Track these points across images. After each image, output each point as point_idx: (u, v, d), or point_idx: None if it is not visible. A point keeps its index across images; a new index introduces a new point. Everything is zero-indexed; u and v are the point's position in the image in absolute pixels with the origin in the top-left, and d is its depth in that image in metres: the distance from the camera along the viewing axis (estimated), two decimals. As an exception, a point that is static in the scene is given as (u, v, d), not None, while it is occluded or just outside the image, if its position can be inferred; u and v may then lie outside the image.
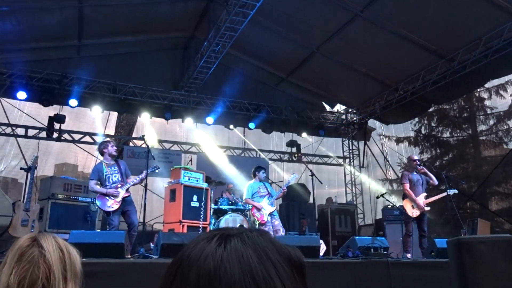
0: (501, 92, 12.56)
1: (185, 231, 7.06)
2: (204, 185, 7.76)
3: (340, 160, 12.93)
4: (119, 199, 5.56)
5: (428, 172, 6.76)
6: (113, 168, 5.75)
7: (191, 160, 9.26)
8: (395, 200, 11.63)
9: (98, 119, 10.71)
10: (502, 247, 2.64)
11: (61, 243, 1.30)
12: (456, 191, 6.82)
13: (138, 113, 10.54)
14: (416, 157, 6.93)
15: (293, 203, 9.88)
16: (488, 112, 12.97)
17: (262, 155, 12.04)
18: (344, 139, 12.85)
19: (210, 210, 7.56)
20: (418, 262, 5.10)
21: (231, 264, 0.57)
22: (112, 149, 5.84)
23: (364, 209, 12.18)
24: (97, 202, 5.63)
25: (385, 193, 7.59)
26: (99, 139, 10.20)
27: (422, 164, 6.96)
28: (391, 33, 8.39)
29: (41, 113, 9.99)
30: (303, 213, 9.62)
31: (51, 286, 1.21)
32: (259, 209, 6.96)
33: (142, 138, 7.58)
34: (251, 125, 11.13)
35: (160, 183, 9.74)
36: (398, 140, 13.88)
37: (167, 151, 11.10)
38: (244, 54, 10.56)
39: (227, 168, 10.80)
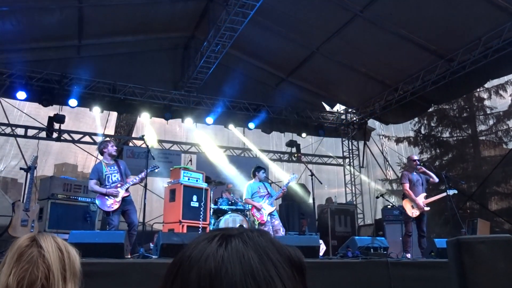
0: (501, 92, 12.56)
1: (184, 231, 7.05)
2: (204, 185, 7.75)
3: (340, 160, 12.93)
4: (118, 198, 5.56)
5: (427, 171, 6.77)
6: (112, 167, 5.75)
7: (190, 160, 9.27)
8: (395, 200, 11.64)
9: (98, 119, 10.71)
10: (502, 247, 2.64)
11: (60, 243, 1.29)
12: (455, 191, 6.82)
13: (138, 113, 10.53)
14: (416, 157, 6.94)
15: (293, 203, 9.88)
16: (488, 112, 12.98)
17: (262, 155, 12.01)
18: (344, 139, 12.85)
19: (210, 210, 7.56)
20: (417, 262, 5.10)
21: (232, 264, 0.57)
22: (112, 149, 5.84)
23: (364, 209, 12.18)
24: (97, 202, 5.63)
25: (385, 193, 7.60)
26: (98, 139, 10.20)
27: (422, 164, 6.97)
28: (391, 33, 8.39)
29: (41, 113, 9.99)
30: (303, 213, 9.63)
31: (50, 286, 1.20)
32: (259, 209, 6.96)
33: (141, 138, 7.58)
34: (251, 125, 11.14)
35: (160, 183, 9.74)
36: (398, 140, 13.89)
37: (166, 151, 11.10)
38: (244, 54, 10.56)
39: (226, 168, 10.80)
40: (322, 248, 6.73)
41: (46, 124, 9.77)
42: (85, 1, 8.07)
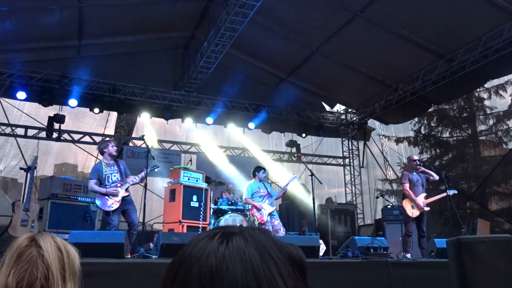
0: (501, 92, 12.56)
1: (184, 231, 7.05)
2: (204, 185, 7.75)
3: (340, 160, 12.93)
4: (118, 198, 5.56)
5: (427, 170, 6.77)
6: (112, 167, 5.75)
7: (190, 160, 9.27)
8: (395, 200, 11.63)
9: (98, 119, 10.71)
10: (502, 247, 2.63)
11: (59, 243, 1.29)
12: (455, 191, 6.82)
13: (138, 113, 10.53)
14: (416, 157, 6.94)
15: (293, 203, 9.88)
16: (488, 112, 12.98)
17: (262, 155, 12.01)
18: (344, 139, 12.85)
19: (210, 210, 7.56)
20: (417, 262, 5.10)
21: (233, 262, 0.57)
22: (112, 149, 5.84)
23: (364, 209, 12.18)
24: (97, 202, 5.63)
25: (385, 193, 7.59)
26: (98, 139, 10.20)
27: (421, 164, 6.97)
28: (391, 33, 8.39)
29: (41, 113, 9.98)
30: (303, 213, 9.62)
31: (49, 286, 1.20)
32: (259, 209, 6.96)
33: (141, 138, 7.58)
34: (251, 125, 11.14)
35: (160, 183, 9.74)
36: (398, 140, 13.88)
37: (166, 151, 11.10)
38: (244, 54, 10.56)
39: (226, 168, 10.80)
40: (322, 248, 6.74)
41: (46, 124, 9.77)
42: (85, 1, 8.07)
